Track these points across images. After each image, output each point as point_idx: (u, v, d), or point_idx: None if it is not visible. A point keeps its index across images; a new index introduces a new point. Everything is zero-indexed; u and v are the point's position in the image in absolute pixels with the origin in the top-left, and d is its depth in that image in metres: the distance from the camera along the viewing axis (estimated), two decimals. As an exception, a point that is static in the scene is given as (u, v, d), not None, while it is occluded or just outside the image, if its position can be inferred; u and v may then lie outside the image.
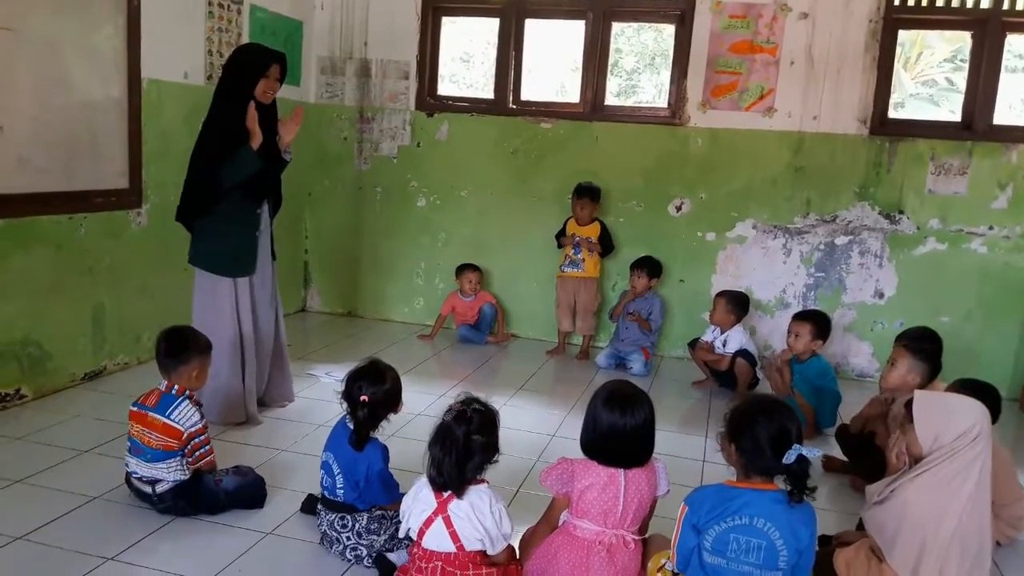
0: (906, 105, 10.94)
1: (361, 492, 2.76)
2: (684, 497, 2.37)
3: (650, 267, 5.55)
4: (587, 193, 5.60)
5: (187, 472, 2.98)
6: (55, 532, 2.84)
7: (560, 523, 2.61)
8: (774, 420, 2.29)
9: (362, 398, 2.74)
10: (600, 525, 2.49)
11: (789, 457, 2.22)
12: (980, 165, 5.36)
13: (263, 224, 3.96)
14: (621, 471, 2.49)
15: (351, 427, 2.80)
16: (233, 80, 3.77)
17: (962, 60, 8.41)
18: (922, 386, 3.51)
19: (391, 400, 2.84)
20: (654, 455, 2.57)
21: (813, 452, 2.25)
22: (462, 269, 6.02)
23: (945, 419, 2.53)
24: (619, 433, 2.47)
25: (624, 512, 2.49)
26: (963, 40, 5.98)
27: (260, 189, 3.85)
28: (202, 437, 3.04)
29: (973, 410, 2.55)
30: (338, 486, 2.78)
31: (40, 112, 4.01)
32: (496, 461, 2.53)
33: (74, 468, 3.37)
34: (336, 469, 2.78)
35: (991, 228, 5.40)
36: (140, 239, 4.70)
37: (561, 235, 5.76)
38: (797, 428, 2.31)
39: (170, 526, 2.94)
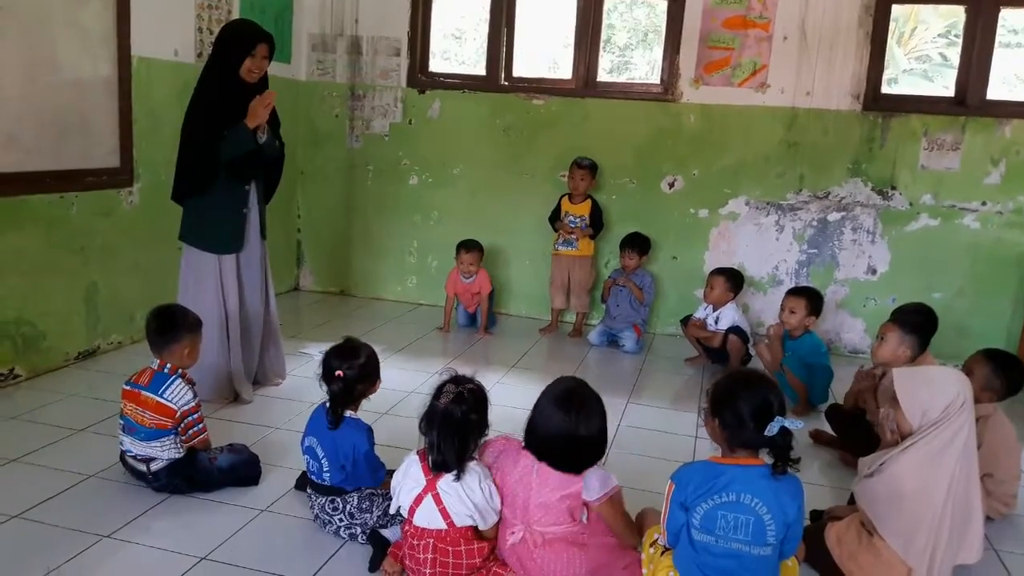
0: (900, 81, 10.90)
1: (348, 474, 2.76)
2: (671, 474, 2.38)
3: (640, 245, 5.55)
4: (586, 166, 5.60)
5: (181, 450, 3.00)
6: (51, 510, 2.86)
7: None
8: (755, 393, 2.29)
9: (337, 373, 2.75)
10: (514, 518, 2.48)
11: (771, 429, 2.22)
12: (973, 140, 5.36)
13: (251, 202, 3.94)
14: (535, 465, 2.44)
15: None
16: (219, 58, 3.75)
17: (956, 35, 8.37)
18: (912, 359, 3.54)
19: (366, 375, 2.83)
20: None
21: (795, 423, 2.25)
22: (458, 249, 5.68)
23: (929, 395, 2.55)
24: (566, 437, 2.41)
25: (532, 511, 2.44)
26: (957, 15, 5.94)
27: (249, 168, 3.83)
28: (195, 415, 3.05)
29: (955, 380, 2.57)
30: (324, 469, 2.77)
31: (29, 91, 3.98)
32: (487, 434, 2.55)
33: (69, 447, 3.39)
34: (320, 453, 2.77)
35: (984, 204, 5.41)
36: (132, 218, 4.68)
37: (555, 218, 5.75)
38: (779, 400, 2.30)
39: (165, 504, 2.96)
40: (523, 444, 2.51)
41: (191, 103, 3.78)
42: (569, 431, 2.40)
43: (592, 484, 2.44)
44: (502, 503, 2.50)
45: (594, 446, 2.46)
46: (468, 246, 5.67)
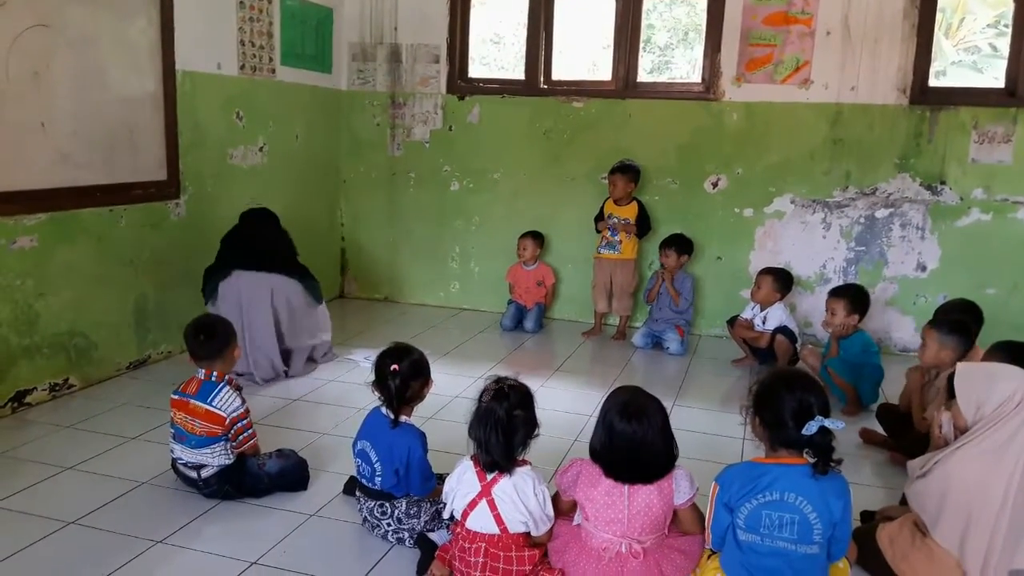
0: (948, 73, 10.65)
1: (400, 479, 2.77)
2: (714, 476, 2.36)
3: (679, 244, 5.49)
4: (619, 170, 5.56)
5: (231, 456, 3.04)
6: (105, 516, 2.92)
7: (574, 523, 2.59)
8: (796, 392, 2.27)
9: (392, 367, 2.77)
10: (609, 533, 2.44)
11: (809, 428, 2.20)
12: (1025, 132, 5.21)
13: None
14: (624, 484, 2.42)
15: (386, 413, 2.82)
16: None
17: (1005, 25, 8.18)
18: (958, 358, 3.45)
19: (419, 371, 2.85)
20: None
21: (836, 424, 2.21)
22: (521, 237, 5.96)
23: (986, 387, 2.49)
24: (630, 444, 2.39)
25: (631, 522, 2.42)
26: (1006, 4, 5.81)
27: None
28: (244, 421, 3.09)
29: (1014, 377, 2.50)
30: (377, 474, 2.79)
31: (79, 107, 4.08)
32: (537, 435, 2.55)
33: (122, 454, 3.46)
34: (374, 457, 2.79)
35: (1038, 196, 5.26)
36: (179, 229, 4.77)
37: (599, 219, 5.72)
38: (821, 400, 2.27)
39: (216, 509, 3.01)
40: (595, 462, 2.48)
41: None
42: (636, 441, 2.38)
43: (683, 486, 2.46)
44: (588, 520, 2.48)
45: (664, 449, 2.44)
46: (526, 233, 5.96)
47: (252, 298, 4.36)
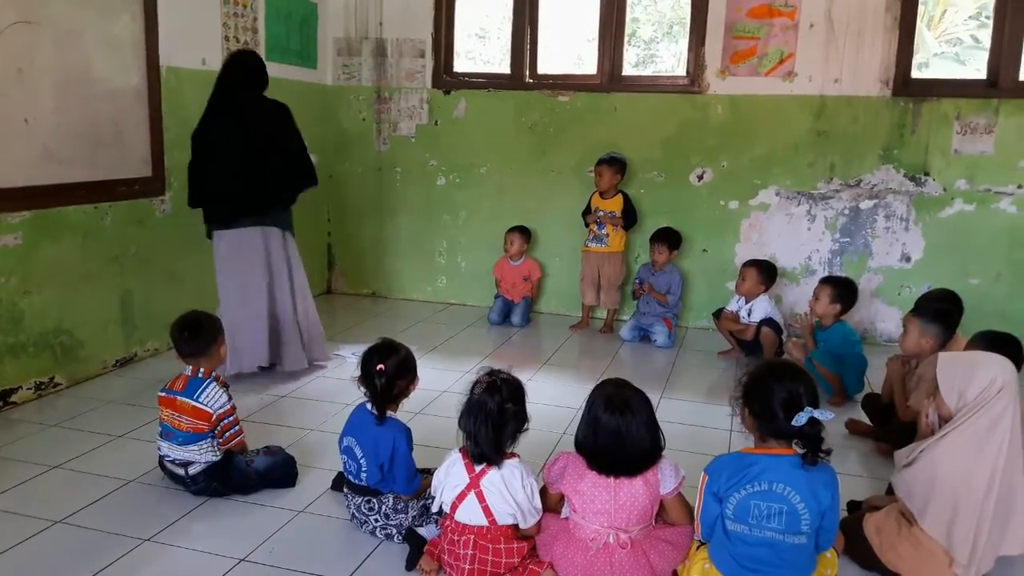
0: (931, 65, 10.72)
1: (385, 475, 2.77)
2: (704, 467, 2.38)
3: (670, 239, 5.51)
4: (605, 162, 5.56)
5: (218, 453, 3.04)
6: (93, 515, 2.91)
7: (562, 516, 2.60)
8: (785, 384, 2.28)
9: (379, 367, 2.75)
10: (596, 524, 2.45)
11: (799, 420, 2.22)
12: (1007, 123, 5.24)
13: None
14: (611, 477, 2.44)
15: (371, 410, 2.81)
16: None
17: (987, 16, 8.23)
18: (938, 346, 3.50)
19: (406, 369, 2.84)
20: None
21: (825, 414, 2.23)
22: (507, 232, 5.96)
23: (967, 375, 2.51)
24: (615, 438, 2.40)
25: (617, 512, 2.43)
26: (988, -4, 5.84)
27: None
28: (231, 418, 3.09)
29: (995, 364, 2.53)
30: (362, 469, 2.78)
31: (63, 103, 4.06)
32: (527, 429, 2.55)
33: (109, 453, 3.45)
34: (359, 453, 2.78)
35: (1020, 187, 5.29)
36: (165, 226, 4.74)
37: (587, 213, 5.73)
38: (810, 391, 2.29)
39: (204, 507, 3.00)
40: (580, 455, 2.49)
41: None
42: (621, 434, 2.39)
43: (668, 476, 2.47)
44: (575, 512, 2.49)
45: (649, 442, 2.44)
46: (513, 228, 5.96)
47: (244, 257, 4.23)
